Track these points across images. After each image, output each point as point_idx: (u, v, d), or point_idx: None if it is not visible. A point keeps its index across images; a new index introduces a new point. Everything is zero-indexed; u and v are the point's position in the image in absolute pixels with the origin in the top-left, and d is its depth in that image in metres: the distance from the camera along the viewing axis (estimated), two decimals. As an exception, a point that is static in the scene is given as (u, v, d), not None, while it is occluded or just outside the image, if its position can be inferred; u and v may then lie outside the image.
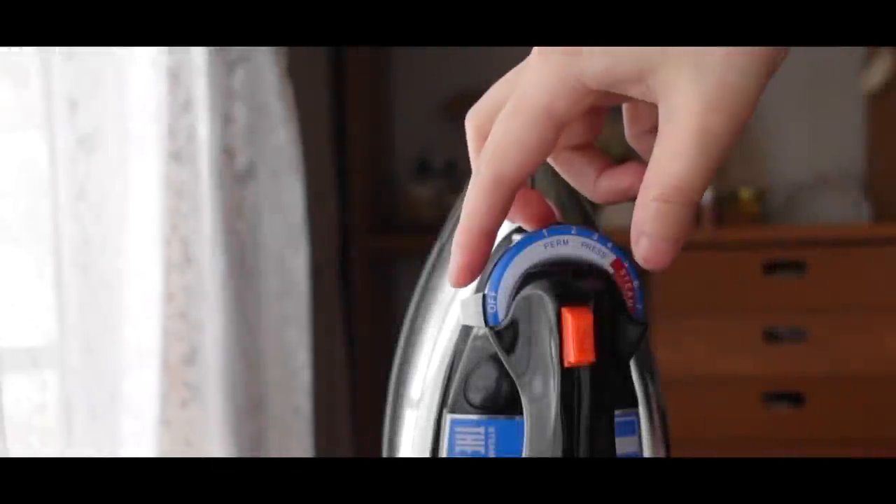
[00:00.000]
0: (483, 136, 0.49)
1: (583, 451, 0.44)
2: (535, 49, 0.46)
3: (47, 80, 0.87)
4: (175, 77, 1.18)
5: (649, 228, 0.45)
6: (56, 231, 0.91)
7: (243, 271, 1.34)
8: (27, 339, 0.85)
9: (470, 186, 0.47)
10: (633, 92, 0.45)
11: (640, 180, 0.46)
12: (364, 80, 2.48)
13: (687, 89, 0.43)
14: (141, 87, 1.11)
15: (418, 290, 0.60)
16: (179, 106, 1.19)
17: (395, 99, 2.72)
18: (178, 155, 1.18)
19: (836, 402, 2.24)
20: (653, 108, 0.46)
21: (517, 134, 0.46)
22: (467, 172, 0.55)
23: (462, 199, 0.48)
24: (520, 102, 0.46)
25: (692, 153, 0.43)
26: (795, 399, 2.26)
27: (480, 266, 0.47)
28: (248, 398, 1.34)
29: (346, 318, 2.26)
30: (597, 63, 0.44)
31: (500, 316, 0.46)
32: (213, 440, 1.24)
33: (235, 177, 1.31)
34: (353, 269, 2.42)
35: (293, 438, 1.41)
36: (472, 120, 0.50)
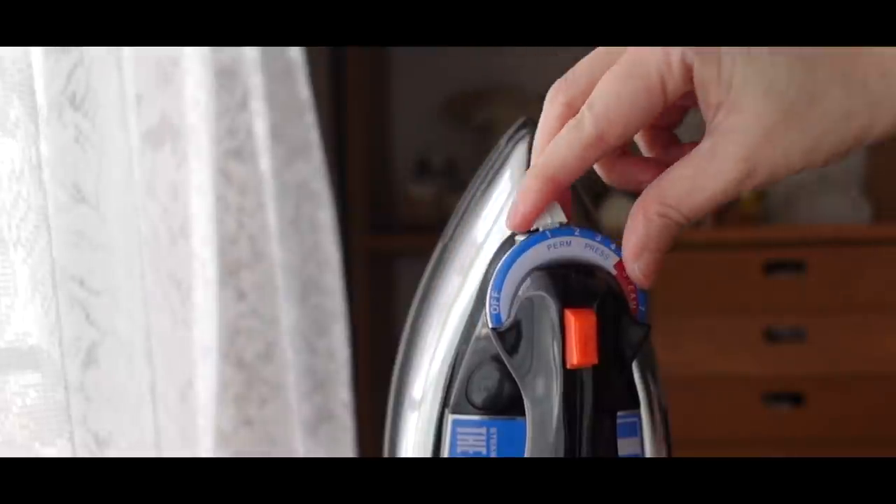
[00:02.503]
0: (572, 111, 0.46)
1: (585, 453, 0.44)
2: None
3: (119, 72, 0.87)
4: (232, 74, 1.18)
5: (654, 244, 0.45)
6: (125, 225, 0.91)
7: (303, 267, 1.36)
8: (95, 335, 0.84)
9: (564, 137, 0.45)
10: (702, 102, 0.44)
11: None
12: (364, 80, 2.48)
13: (750, 113, 0.43)
14: (199, 84, 1.12)
15: (420, 290, 0.60)
16: (237, 103, 1.19)
17: (395, 99, 2.72)
18: (239, 152, 1.19)
19: (836, 402, 2.24)
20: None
21: (631, 98, 0.44)
22: (467, 172, 0.55)
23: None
24: (636, 68, 0.44)
25: (732, 177, 0.43)
26: (795, 399, 2.26)
27: (538, 215, 0.46)
28: (312, 394, 1.36)
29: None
30: (703, 63, 0.43)
31: (503, 317, 0.46)
32: (296, 438, 1.25)
33: (287, 173, 1.33)
34: (353, 269, 2.42)
35: (344, 433, 1.43)
36: (566, 91, 0.47)
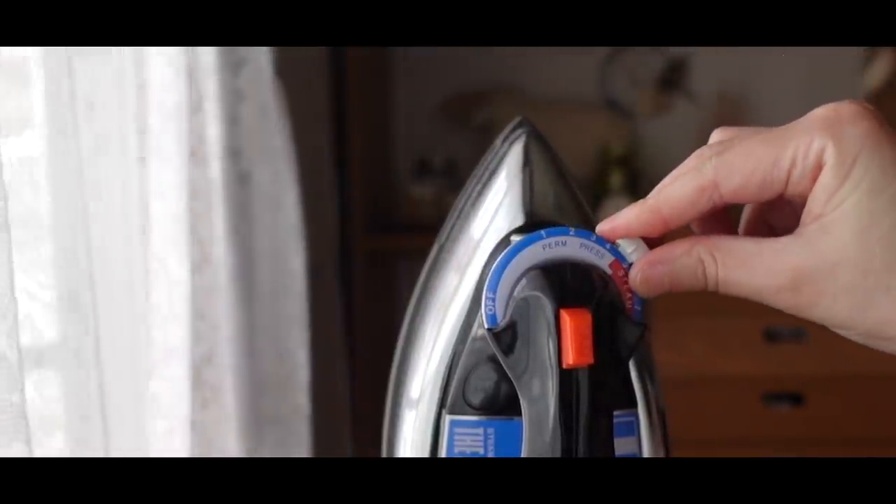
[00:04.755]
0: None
1: (581, 452, 0.44)
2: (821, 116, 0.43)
3: (71, 80, 0.87)
4: (189, 77, 1.18)
5: (678, 265, 0.45)
6: (83, 229, 0.91)
7: (250, 271, 1.36)
8: (56, 337, 0.85)
9: (684, 173, 0.45)
10: (809, 199, 0.43)
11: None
12: (364, 80, 2.48)
13: (833, 243, 0.42)
14: (159, 87, 1.12)
15: (418, 289, 0.60)
16: (192, 106, 1.19)
17: (395, 99, 2.72)
18: (192, 155, 1.19)
19: (836, 402, 2.24)
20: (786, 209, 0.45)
21: (758, 161, 0.43)
22: (467, 172, 0.55)
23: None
24: (779, 138, 0.43)
25: (776, 281, 0.44)
26: (795, 399, 2.26)
27: (625, 235, 0.46)
28: (257, 397, 1.36)
29: (346, 318, 2.26)
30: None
31: (499, 317, 0.46)
32: (231, 440, 1.25)
33: (240, 177, 1.32)
34: (353, 269, 2.42)
35: (294, 437, 1.42)
36: (725, 133, 0.47)
